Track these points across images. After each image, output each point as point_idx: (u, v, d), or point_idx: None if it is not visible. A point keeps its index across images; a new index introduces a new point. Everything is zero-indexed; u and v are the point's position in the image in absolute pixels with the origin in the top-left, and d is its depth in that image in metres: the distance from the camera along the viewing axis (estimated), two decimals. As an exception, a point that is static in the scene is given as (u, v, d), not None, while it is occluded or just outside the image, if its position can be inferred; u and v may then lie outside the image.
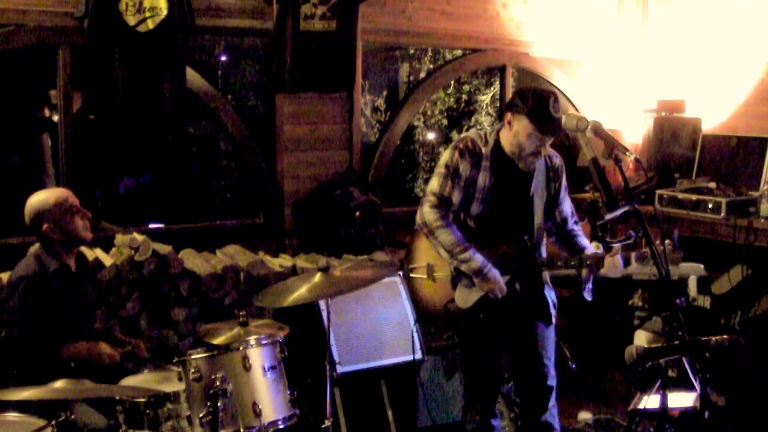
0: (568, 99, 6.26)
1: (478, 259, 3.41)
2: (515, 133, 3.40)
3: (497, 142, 3.49)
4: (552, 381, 3.61)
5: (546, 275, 3.62)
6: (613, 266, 3.37)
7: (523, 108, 3.35)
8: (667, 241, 3.21)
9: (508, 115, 3.42)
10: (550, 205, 3.60)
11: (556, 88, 6.21)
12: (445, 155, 3.53)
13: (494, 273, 3.42)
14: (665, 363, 2.96)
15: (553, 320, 3.63)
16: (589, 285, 3.53)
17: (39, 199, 3.46)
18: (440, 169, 3.51)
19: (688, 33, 6.09)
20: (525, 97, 3.38)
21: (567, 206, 3.65)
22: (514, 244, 3.51)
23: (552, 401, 3.62)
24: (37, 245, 3.56)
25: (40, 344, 3.29)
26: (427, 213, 3.47)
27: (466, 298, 3.53)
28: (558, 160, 3.62)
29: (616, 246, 3.38)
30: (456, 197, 3.48)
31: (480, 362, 3.62)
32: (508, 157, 3.47)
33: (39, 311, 3.32)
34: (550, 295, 3.63)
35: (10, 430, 2.95)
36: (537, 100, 3.33)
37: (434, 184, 3.52)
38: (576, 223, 3.67)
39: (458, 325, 3.74)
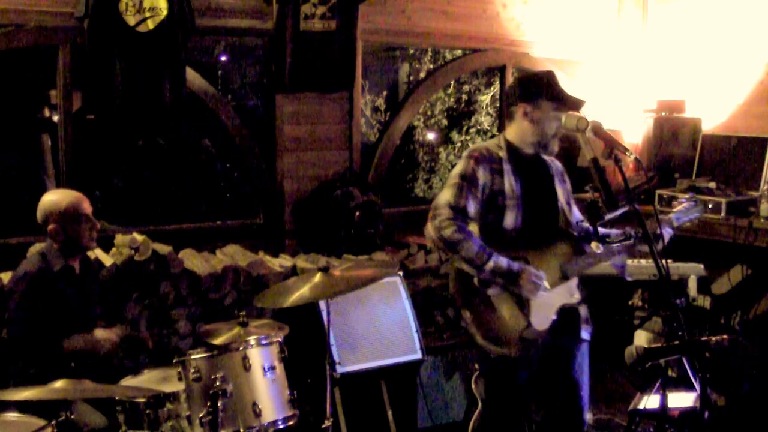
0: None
1: (503, 261, 3.12)
2: (537, 120, 3.27)
3: (509, 144, 3.34)
4: (587, 414, 3.41)
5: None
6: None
7: (538, 92, 3.25)
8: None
9: (523, 107, 3.29)
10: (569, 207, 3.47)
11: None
12: (459, 166, 3.26)
13: (528, 268, 3.14)
14: (665, 363, 2.96)
15: (588, 339, 3.42)
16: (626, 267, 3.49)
17: (52, 199, 3.46)
18: (453, 180, 3.22)
19: (688, 33, 6.09)
20: (532, 83, 3.31)
21: (575, 208, 3.52)
22: (564, 240, 3.33)
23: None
24: (40, 244, 3.55)
25: (40, 340, 3.29)
26: (444, 227, 3.12)
27: (543, 319, 3.21)
28: (559, 163, 3.52)
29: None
30: (473, 208, 3.19)
31: (516, 384, 3.31)
32: (526, 156, 3.34)
33: (41, 307, 3.32)
34: (583, 311, 3.40)
35: (10, 430, 2.95)
36: (545, 81, 3.28)
37: (447, 195, 3.19)
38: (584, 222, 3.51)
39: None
